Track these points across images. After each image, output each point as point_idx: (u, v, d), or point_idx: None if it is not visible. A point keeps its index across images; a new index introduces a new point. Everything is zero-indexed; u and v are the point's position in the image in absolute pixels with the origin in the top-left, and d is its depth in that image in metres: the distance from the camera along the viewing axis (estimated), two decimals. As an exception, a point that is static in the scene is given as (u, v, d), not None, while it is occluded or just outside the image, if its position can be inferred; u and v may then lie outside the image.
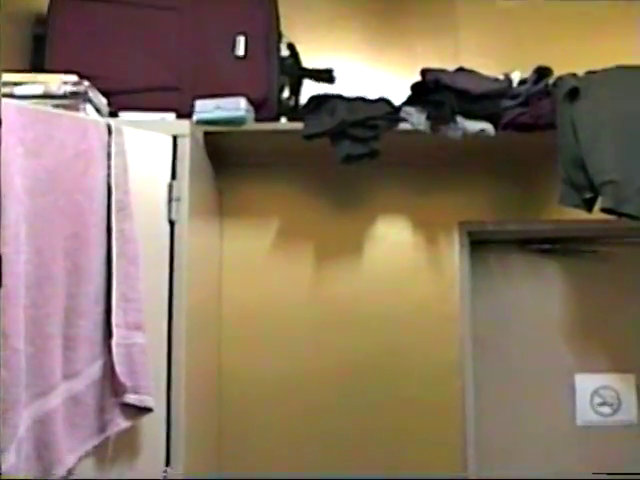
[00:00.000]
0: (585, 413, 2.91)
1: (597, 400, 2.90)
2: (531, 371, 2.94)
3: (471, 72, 2.54)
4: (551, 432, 2.90)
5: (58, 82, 2.15)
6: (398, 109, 2.47)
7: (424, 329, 2.78)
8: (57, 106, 2.07)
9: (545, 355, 2.95)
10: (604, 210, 2.20)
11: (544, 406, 2.91)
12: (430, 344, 2.78)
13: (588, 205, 2.27)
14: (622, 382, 2.92)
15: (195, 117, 2.42)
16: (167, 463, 2.09)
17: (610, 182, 2.19)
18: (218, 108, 2.43)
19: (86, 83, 2.16)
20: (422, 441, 2.74)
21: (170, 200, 2.14)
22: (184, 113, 2.40)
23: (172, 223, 2.15)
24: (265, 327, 2.80)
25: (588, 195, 2.25)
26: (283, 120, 2.64)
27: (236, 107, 2.44)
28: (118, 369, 1.89)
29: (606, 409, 2.90)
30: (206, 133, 2.47)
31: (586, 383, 2.92)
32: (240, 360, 2.79)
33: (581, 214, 2.30)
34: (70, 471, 1.83)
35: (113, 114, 2.31)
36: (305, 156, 2.67)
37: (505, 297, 2.99)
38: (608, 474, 2.75)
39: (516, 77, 2.52)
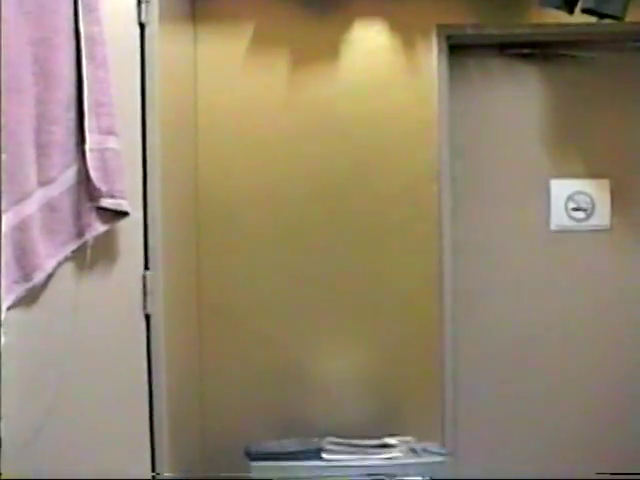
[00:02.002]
0: (559, 218, 2.94)
1: (571, 205, 2.94)
2: (507, 177, 2.95)
3: None
4: (525, 237, 2.95)
5: None
6: None
7: (401, 134, 2.77)
8: None
9: (521, 161, 2.96)
10: (585, 11, 2.16)
11: (519, 211, 2.95)
12: (407, 150, 2.78)
13: (569, 6, 2.22)
14: (597, 187, 2.94)
15: None
16: (146, 267, 2.13)
17: (592, -19, 2.14)
18: None
19: None
20: (399, 245, 2.79)
21: (139, 2, 2.07)
22: None
23: (142, 26, 2.09)
24: (241, 134, 2.78)
25: (569, -4, 2.21)
26: None
27: None
28: (93, 174, 1.88)
29: (580, 214, 2.94)
30: None
31: (561, 188, 2.95)
32: (217, 167, 2.78)
33: (562, 17, 2.25)
34: (49, 275, 1.86)
35: None
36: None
37: (483, 103, 2.96)
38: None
39: None
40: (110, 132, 1.92)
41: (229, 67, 2.78)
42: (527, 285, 2.93)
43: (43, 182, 1.85)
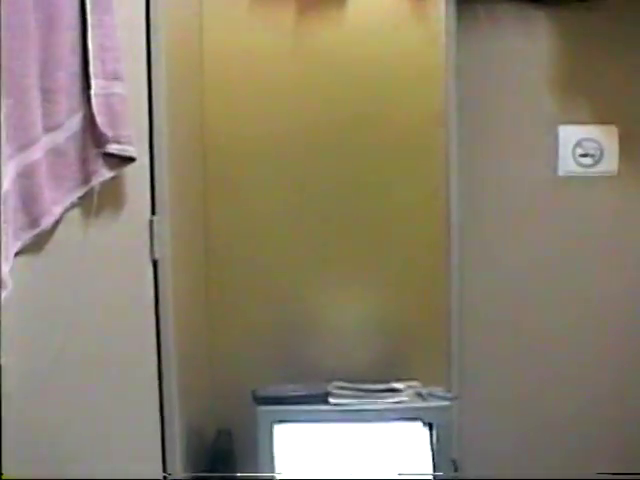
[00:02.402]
0: (567, 164, 2.93)
1: (579, 151, 2.92)
2: (514, 123, 2.94)
3: None
4: (533, 183, 2.94)
5: None
6: None
7: (409, 80, 2.76)
8: None
9: (529, 107, 2.94)
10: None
11: (526, 157, 2.93)
12: (414, 96, 2.76)
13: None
14: (605, 133, 2.93)
15: None
16: (153, 212, 2.14)
17: None
18: None
19: None
20: (405, 190, 2.79)
21: (144, -55, 2.05)
22: None
23: (148, -31, 2.07)
24: (248, 80, 2.76)
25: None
26: None
27: None
28: (98, 120, 1.87)
29: (588, 160, 2.93)
30: None
31: (569, 134, 2.93)
32: (224, 113, 2.77)
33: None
34: (56, 222, 1.87)
35: None
36: None
37: (492, 48, 2.92)
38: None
39: None
40: (116, 77, 1.91)
41: (235, 12, 2.75)
42: (534, 231, 2.92)
43: (49, 128, 1.84)
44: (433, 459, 2.42)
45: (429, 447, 2.42)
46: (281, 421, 2.38)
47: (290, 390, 2.45)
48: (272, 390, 2.45)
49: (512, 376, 2.90)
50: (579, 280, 2.93)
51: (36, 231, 1.83)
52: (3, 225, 1.69)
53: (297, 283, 2.81)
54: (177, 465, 2.26)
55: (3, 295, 1.70)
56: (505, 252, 2.92)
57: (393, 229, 2.82)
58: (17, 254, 1.79)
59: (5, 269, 1.71)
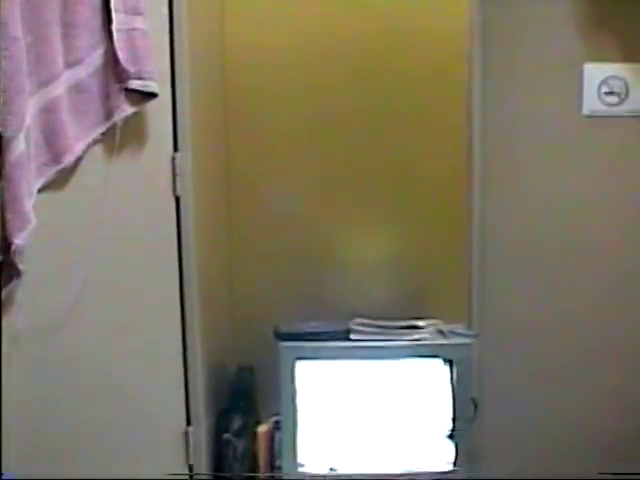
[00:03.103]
0: (592, 103, 2.89)
1: (605, 89, 2.88)
2: (539, 61, 2.87)
3: None
4: (557, 122, 2.90)
5: None
6: None
7: (433, 15, 2.73)
8: None
9: (555, 44, 2.87)
10: None
11: (551, 96, 2.88)
12: (438, 31, 2.72)
13: None
14: (631, 71, 2.88)
15: None
16: (175, 149, 2.13)
17: None
18: None
19: None
20: (428, 129, 2.77)
21: None
22: None
23: None
24: (271, 14, 2.73)
25: None
26: None
27: None
28: (120, 55, 1.86)
29: (613, 99, 2.89)
30: None
31: (594, 72, 2.88)
32: (246, 49, 2.74)
33: None
34: (79, 158, 1.87)
35: None
36: None
37: None
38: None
39: None
40: (137, 12, 1.90)
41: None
42: (557, 170, 2.89)
43: (70, 63, 1.84)
44: (453, 397, 2.44)
45: (449, 385, 2.43)
46: (302, 358, 2.40)
47: (311, 327, 2.47)
48: (294, 327, 2.46)
49: (533, 314, 2.89)
50: (601, 218, 2.90)
51: (59, 167, 1.84)
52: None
53: (318, 220, 2.81)
54: (199, 402, 2.28)
55: (27, 231, 1.71)
56: (528, 191, 2.89)
57: (415, 166, 2.80)
58: (40, 191, 1.80)
59: (28, 206, 1.72)
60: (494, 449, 2.90)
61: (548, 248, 2.89)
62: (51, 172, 1.81)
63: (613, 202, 2.89)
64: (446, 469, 2.47)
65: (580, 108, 2.88)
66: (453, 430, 2.45)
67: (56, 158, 1.82)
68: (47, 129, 1.79)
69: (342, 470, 2.47)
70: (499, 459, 2.90)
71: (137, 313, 2.09)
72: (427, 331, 2.46)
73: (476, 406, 2.59)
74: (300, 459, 2.47)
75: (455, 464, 2.47)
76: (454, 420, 2.45)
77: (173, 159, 2.13)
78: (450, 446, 2.47)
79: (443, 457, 2.48)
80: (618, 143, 2.89)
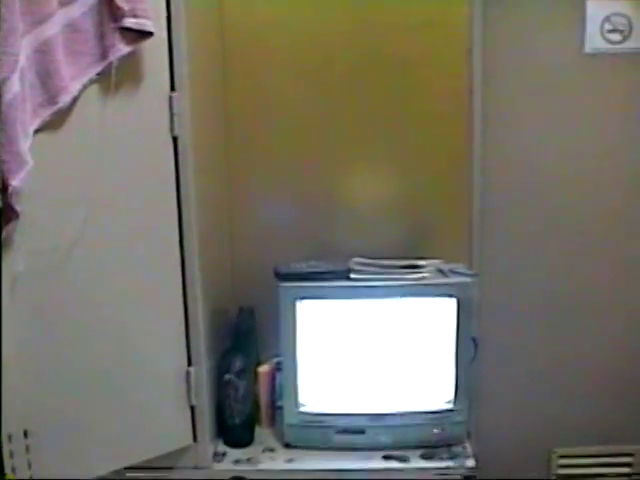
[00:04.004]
0: (594, 40, 2.85)
1: (607, 27, 2.84)
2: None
3: None
4: (558, 59, 2.85)
5: None
6: None
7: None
8: None
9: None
10: None
11: (552, 33, 2.83)
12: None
13: None
14: (635, 9, 2.82)
15: None
16: (172, 88, 2.11)
17: None
18: None
19: None
20: (428, 70, 2.74)
21: None
22: None
23: None
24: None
25: None
26: None
27: None
28: (114, -8, 1.84)
29: (616, 36, 2.84)
30: None
31: (597, 9, 2.82)
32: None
33: None
34: (75, 99, 1.86)
35: None
36: None
37: None
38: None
39: None
40: (130, -52, 1.87)
41: None
42: (557, 108, 2.86)
43: (64, 2, 1.82)
44: (454, 336, 2.44)
45: (450, 324, 2.43)
46: (302, 297, 2.40)
47: (312, 266, 2.46)
48: (294, 267, 2.46)
49: (534, 255, 2.89)
50: (602, 156, 2.88)
51: (54, 108, 1.84)
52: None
53: (319, 160, 2.78)
54: (200, 342, 2.29)
55: (24, 173, 1.71)
56: (529, 130, 2.86)
57: (416, 107, 2.76)
58: (36, 132, 1.79)
59: (24, 147, 1.71)
60: (493, 389, 2.93)
61: (550, 187, 2.87)
62: (47, 113, 1.81)
63: (614, 139, 2.86)
64: (445, 408, 2.49)
65: (582, 46, 2.84)
66: (453, 370, 2.46)
67: (51, 99, 1.81)
68: (42, 69, 1.78)
69: (342, 409, 2.50)
70: (498, 399, 2.94)
71: (136, 254, 2.09)
72: (428, 270, 2.46)
73: (476, 346, 2.60)
74: (301, 399, 2.49)
75: (455, 403, 2.48)
76: (454, 360, 2.46)
77: (170, 98, 2.10)
78: (450, 386, 2.48)
79: (443, 396, 2.49)
80: (621, 81, 2.85)
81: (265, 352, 2.69)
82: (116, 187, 2.01)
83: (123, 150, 2.01)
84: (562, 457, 3.05)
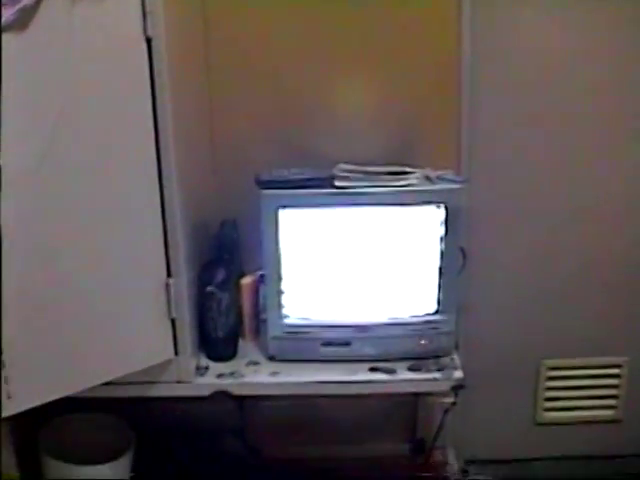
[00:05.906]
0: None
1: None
2: None
3: None
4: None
5: None
6: None
7: None
8: None
9: None
10: None
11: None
12: None
13: None
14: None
15: None
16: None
17: None
18: None
19: None
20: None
21: None
22: None
23: None
24: None
25: None
26: None
27: None
28: None
29: None
30: None
31: None
32: None
33: None
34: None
35: None
36: None
37: None
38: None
39: None
40: None
41: None
42: (551, 30, 2.72)
43: None
44: (441, 245, 2.39)
45: (438, 233, 2.38)
46: (285, 206, 2.32)
47: (294, 173, 2.38)
48: (276, 174, 2.37)
49: (523, 163, 2.83)
50: (594, 77, 2.76)
51: (18, 6, 1.76)
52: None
53: (302, 68, 2.68)
54: (180, 253, 2.22)
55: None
56: (518, 44, 2.74)
57: (403, 12, 2.65)
58: (1, 32, 1.72)
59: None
60: (482, 300, 2.91)
61: (539, 88, 2.78)
62: (10, 12, 1.73)
63: (607, 60, 2.76)
64: (432, 319, 2.46)
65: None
66: (440, 279, 2.42)
67: (15, -4, 1.73)
68: None
69: (327, 321, 2.46)
70: (487, 310, 2.93)
71: (110, 164, 2.00)
72: (415, 177, 2.38)
73: (465, 256, 2.56)
74: (285, 311, 2.44)
75: (440, 314, 2.44)
76: (442, 269, 2.41)
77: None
78: (436, 296, 2.44)
79: (428, 307, 2.45)
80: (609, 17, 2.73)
81: (249, 265, 2.63)
82: (86, 93, 1.91)
83: (92, 51, 1.90)
84: (551, 369, 3.05)
